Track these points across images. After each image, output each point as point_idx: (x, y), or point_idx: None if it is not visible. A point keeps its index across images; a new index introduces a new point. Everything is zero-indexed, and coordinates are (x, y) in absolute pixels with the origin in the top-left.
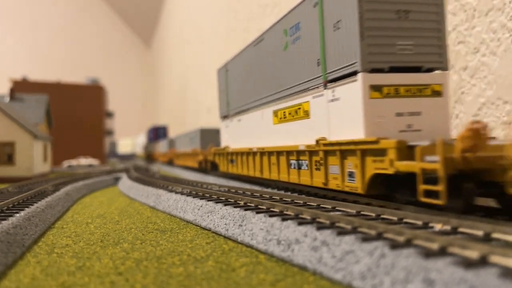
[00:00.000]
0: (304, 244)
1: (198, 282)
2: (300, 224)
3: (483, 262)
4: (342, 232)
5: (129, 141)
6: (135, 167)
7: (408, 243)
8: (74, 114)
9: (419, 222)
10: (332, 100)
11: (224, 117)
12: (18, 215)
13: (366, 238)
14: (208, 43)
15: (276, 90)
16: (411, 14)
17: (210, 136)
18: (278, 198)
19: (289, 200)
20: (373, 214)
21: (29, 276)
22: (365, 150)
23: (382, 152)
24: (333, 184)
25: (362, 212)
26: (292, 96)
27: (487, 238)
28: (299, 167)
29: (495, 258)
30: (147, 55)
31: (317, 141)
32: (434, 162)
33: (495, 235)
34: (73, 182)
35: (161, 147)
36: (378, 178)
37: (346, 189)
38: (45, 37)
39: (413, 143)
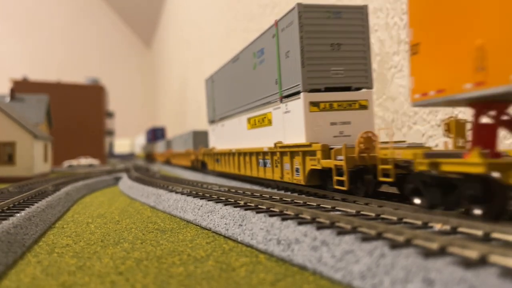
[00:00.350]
0: (304, 244)
1: (198, 281)
2: (300, 224)
3: (482, 262)
4: (342, 232)
5: (127, 141)
6: (135, 167)
7: (407, 243)
8: (74, 114)
9: (419, 222)
10: (286, 112)
11: (211, 121)
12: (18, 215)
13: (366, 238)
14: (208, 43)
15: (248, 101)
16: (342, 46)
17: (201, 138)
18: (278, 198)
19: (289, 200)
20: (373, 214)
21: (29, 275)
22: (304, 151)
23: (313, 153)
24: (287, 178)
25: (361, 212)
26: (259, 107)
27: (486, 238)
28: (265, 165)
29: (494, 258)
30: (147, 55)
31: (275, 144)
32: (341, 160)
33: (495, 235)
34: (74, 182)
35: (159, 147)
36: (314, 172)
37: (295, 181)
38: (46, 37)
39: (332, 146)
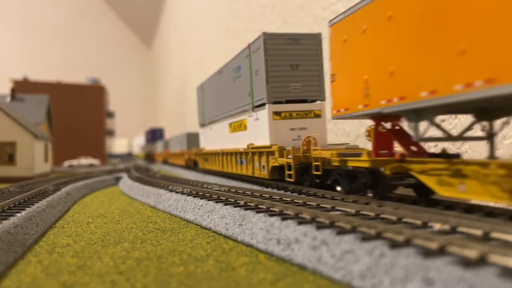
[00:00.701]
0: (303, 244)
1: (198, 281)
2: (299, 223)
3: (482, 261)
4: (341, 232)
5: (125, 141)
6: (135, 166)
7: (407, 243)
8: (74, 114)
9: (418, 222)
10: (256, 119)
11: (202, 125)
12: (19, 214)
13: (366, 238)
14: (208, 43)
15: (230, 108)
16: (300, 66)
17: (194, 139)
18: (278, 198)
19: (289, 199)
20: (373, 214)
21: (30, 275)
22: (268, 152)
23: (273, 153)
24: (256, 173)
25: (361, 212)
26: (238, 114)
27: (486, 238)
28: (241, 163)
29: (494, 258)
30: (147, 55)
31: (248, 146)
32: (290, 159)
33: (494, 235)
34: (74, 182)
35: (158, 147)
36: (274, 168)
37: (262, 176)
38: (46, 37)
39: (286, 148)
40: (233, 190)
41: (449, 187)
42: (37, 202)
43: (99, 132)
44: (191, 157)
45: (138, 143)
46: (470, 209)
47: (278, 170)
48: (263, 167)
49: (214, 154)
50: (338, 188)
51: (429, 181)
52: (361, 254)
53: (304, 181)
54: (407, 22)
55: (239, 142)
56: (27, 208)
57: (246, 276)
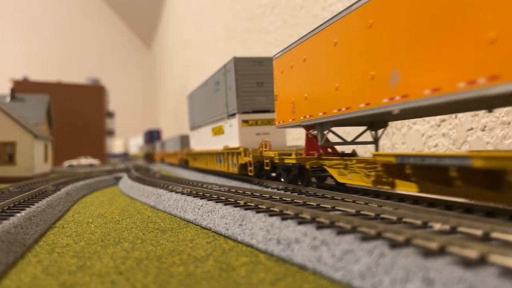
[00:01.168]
0: (303, 244)
1: (198, 281)
2: (299, 223)
3: (482, 261)
4: (341, 232)
5: (120, 141)
6: (135, 167)
7: (407, 243)
8: (74, 114)
9: (418, 222)
10: (230, 126)
11: (191, 128)
12: (19, 214)
13: (366, 238)
14: (208, 43)
15: (212, 115)
16: (264, 84)
17: (186, 140)
18: (278, 198)
19: (289, 199)
20: (373, 214)
21: (30, 275)
22: (237, 152)
23: (240, 153)
24: (231, 170)
25: (361, 212)
26: (218, 121)
27: (486, 238)
28: (220, 161)
29: (494, 258)
30: (148, 56)
31: (224, 147)
32: (250, 157)
33: (495, 235)
34: (74, 182)
35: (156, 148)
36: (242, 166)
37: (233, 171)
38: (46, 37)
39: (249, 149)
40: (233, 190)
41: (343, 176)
42: (37, 202)
43: (99, 132)
44: (183, 156)
45: (135, 143)
46: (470, 209)
47: (245, 167)
48: (235, 164)
49: (201, 154)
50: (282, 180)
51: (333, 172)
52: (361, 254)
53: (262, 175)
54: (310, 66)
55: (219, 144)
56: (27, 208)
57: (246, 276)
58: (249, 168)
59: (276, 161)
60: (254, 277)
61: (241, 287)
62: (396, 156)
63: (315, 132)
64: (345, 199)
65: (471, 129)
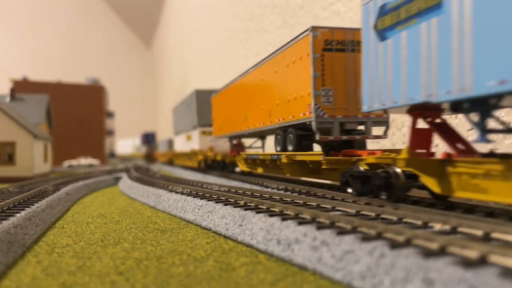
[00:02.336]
0: (304, 244)
1: (198, 281)
2: (300, 223)
3: (482, 261)
4: (341, 232)
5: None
6: (135, 167)
7: (407, 243)
8: (74, 114)
9: (419, 222)
10: (194, 135)
11: (175, 134)
12: (18, 215)
13: (366, 238)
14: (208, 43)
15: (186, 126)
16: None
17: (172, 143)
18: (278, 198)
19: (289, 200)
20: (373, 214)
21: (29, 275)
22: (197, 152)
23: (197, 154)
24: (195, 165)
25: (361, 212)
26: (189, 130)
27: (486, 238)
28: (190, 159)
29: (494, 258)
30: (148, 56)
31: (191, 150)
32: (201, 156)
33: (495, 235)
34: (74, 182)
35: (151, 149)
36: (199, 162)
37: (194, 166)
38: (46, 37)
39: (202, 150)
40: (233, 190)
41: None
42: (36, 202)
43: (99, 132)
44: (170, 156)
45: (125, 144)
46: (470, 209)
47: (201, 162)
48: (199, 162)
49: (180, 154)
50: (237, 169)
51: (239, 164)
52: (361, 255)
53: (212, 169)
54: (229, 103)
55: (189, 147)
56: (26, 208)
57: (246, 277)
58: (202, 164)
59: (212, 159)
60: (254, 278)
61: (241, 287)
62: (246, 154)
63: (239, 140)
64: (345, 199)
65: (471, 129)
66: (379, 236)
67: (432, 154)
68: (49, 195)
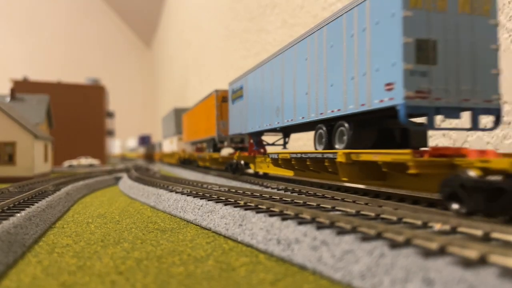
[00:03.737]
0: (304, 244)
1: (198, 281)
2: (300, 223)
3: (482, 261)
4: (341, 232)
5: None
6: (135, 167)
7: (407, 243)
8: (74, 114)
9: (419, 222)
10: (174, 140)
11: (164, 137)
12: (19, 214)
13: (366, 238)
14: (208, 43)
15: (170, 133)
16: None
17: (161, 145)
18: (278, 198)
19: (289, 200)
20: (373, 214)
21: (30, 275)
22: (175, 153)
23: (174, 154)
24: (175, 162)
25: (361, 212)
26: (171, 136)
27: (486, 238)
28: (171, 158)
29: (494, 258)
30: (148, 56)
31: (172, 151)
32: (177, 156)
33: (494, 235)
34: (74, 182)
35: (147, 150)
36: (179, 159)
37: (174, 162)
38: (46, 37)
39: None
40: (233, 190)
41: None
42: (37, 202)
43: (99, 132)
44: (160, 156)
45: (130, 145)
46: None
47: (180, 160)
48: (179, 159)
49: (166, 154)
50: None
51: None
52: (361, 254)
53: (186, 166)
54: (194, 119)
55: (171, 149)
56: (27, 208)
57: (246, 276)
58: (179, 162)
59: (183, 157)
60: (254, 277)
61: (241, 287)
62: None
63: (203, 144)
64: (345, 199)
65: (471, 129)
66: (379, 236)
67: None
68: (49, 195)
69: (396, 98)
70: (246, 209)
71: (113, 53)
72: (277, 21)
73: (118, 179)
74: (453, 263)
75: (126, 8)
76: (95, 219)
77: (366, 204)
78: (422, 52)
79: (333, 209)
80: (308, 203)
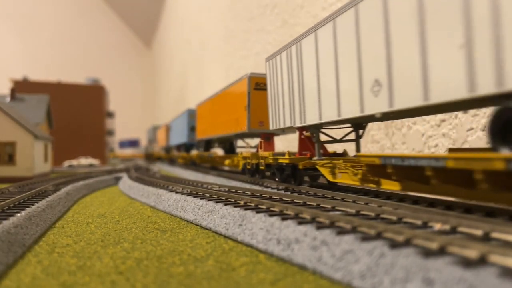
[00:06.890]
0: (303, 244)
1: (198, 281)
2: (300, 223)
3: (482, 261)
4: (341, 232)
5: None
6: (135, 167)
7: (407, 243)
8: (74, 114)
9: (418, 222)
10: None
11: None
12: (19, 214)
13: (366, 238)
14: (208, 43)
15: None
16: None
17: (151, 148)
18: (278, 198)
19: (289, 200)
20: (373, 214)
21: (30, 275)
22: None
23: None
24: (164, 157)
25: (361, 212)
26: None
27: (486, 238)
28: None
29: (494, 258)
30: (148, 56)
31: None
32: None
33: (495, 235)
34: (74, 182)
35: (143, 151)
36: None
37: (164, 158)
38: (46, 37)
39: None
40: (233, 190)
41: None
42: (37, 202)
43: (99, 132)
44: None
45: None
46: (470, 209)
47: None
48: (171, 159)
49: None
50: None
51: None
52: (361, 254)
53: (174, 164)
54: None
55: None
56: (27, 208)
57: (246, 276)
58: (168, 160)
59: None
60: (254, 277)
61: (241, 287)
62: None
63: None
64: (345, 199)
65: (471, 129)
66: (379, 236)
67: None
68: (49, 195)
69: None
70: (246, 209)
71: (113, 53)
72: (277, 21)
73: (118, 179)
74: (453, 263)
75: (126, 8)
76: (95, 219)
77: (366, 204)
78: None
79: (333, 209)
80: (308, 203)
